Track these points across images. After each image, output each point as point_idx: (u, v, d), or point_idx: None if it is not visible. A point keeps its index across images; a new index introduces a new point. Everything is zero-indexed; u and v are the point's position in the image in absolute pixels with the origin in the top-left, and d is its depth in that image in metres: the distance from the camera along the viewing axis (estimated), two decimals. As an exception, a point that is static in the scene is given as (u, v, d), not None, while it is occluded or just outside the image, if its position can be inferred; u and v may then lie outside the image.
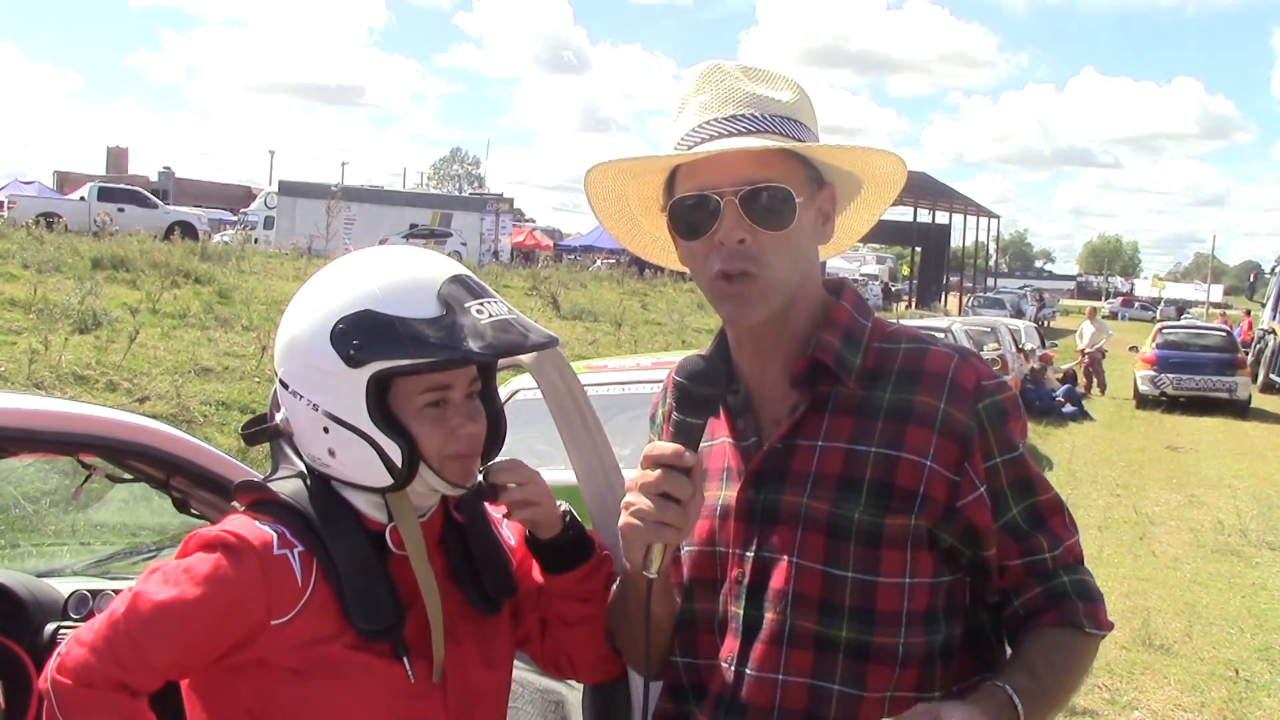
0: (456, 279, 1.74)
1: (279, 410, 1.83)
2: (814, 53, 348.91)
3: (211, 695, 1.76)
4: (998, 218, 75.50)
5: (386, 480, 1.72)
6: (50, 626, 2.79)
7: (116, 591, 2.85)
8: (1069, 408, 20.60)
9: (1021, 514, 1.64)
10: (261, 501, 1.77)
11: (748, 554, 1.67)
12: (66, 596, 2.89)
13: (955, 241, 65.26)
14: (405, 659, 1.72)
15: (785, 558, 1.63)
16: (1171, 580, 9.18)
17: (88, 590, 2.89)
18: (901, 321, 1.62)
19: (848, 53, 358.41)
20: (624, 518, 1.60)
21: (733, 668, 1.67)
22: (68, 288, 14.41)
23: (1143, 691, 6.53)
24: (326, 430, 1.72)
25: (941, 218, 61.48)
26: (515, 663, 1.99)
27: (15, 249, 17.78)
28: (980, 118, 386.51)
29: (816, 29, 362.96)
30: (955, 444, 1.61)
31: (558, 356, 2.21)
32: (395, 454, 1.69)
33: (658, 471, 1.58)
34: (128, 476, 2.65)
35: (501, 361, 2.25)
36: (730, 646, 1.68)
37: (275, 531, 1.71)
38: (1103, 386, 25.09)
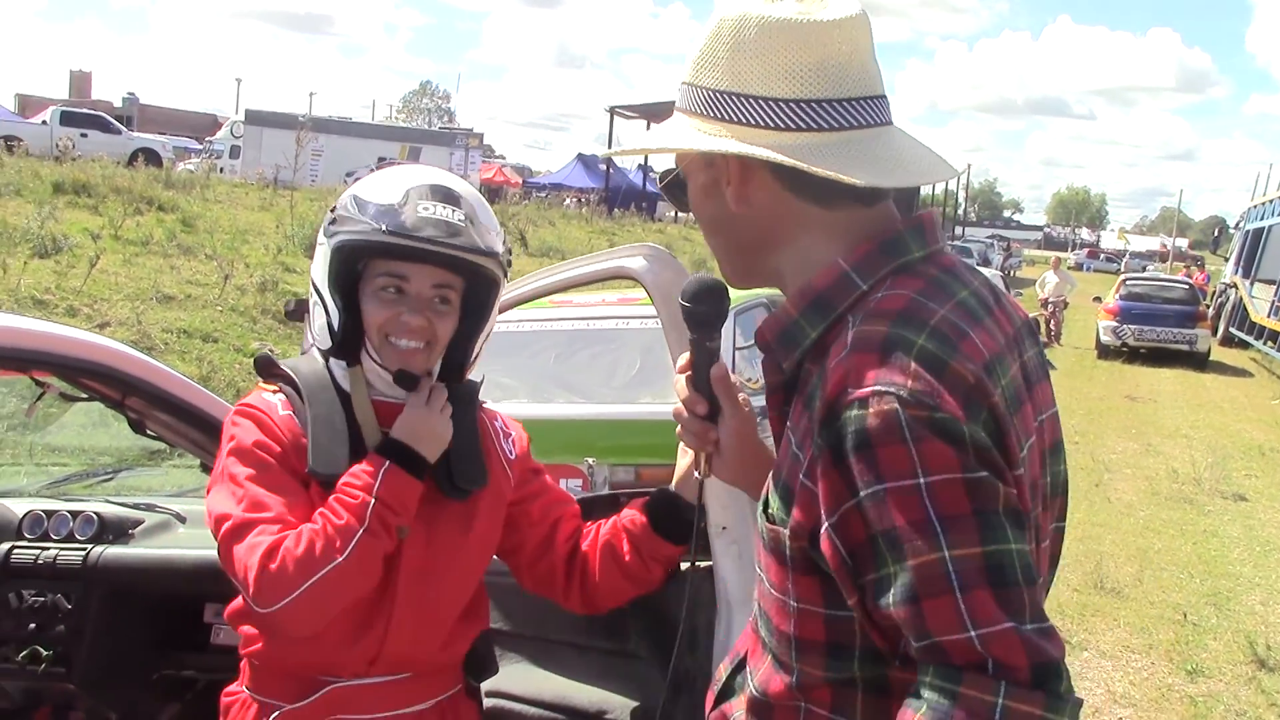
0: (432, 186, 1.97)
1: None
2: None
3: None
4: (968, 166, 75.59)
5: (328, 341, 1.97)
6: (4, 546, 2.79)
7: (73, 513, 2.84)
8: (1031, 356, 20.75)
9: (883, 582, 1.23)
10: (272, 373, 2.05)
11: None
12: (21, 516, 2.88)
13: (925, 189, 65.26)
14: None
15: None
16: (1125, 526, 9.31)
17: (42, 510, 2.88)
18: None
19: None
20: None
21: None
22: (28, 212, 14.20)
23: (1092, 633, 6.66)
24: (309, 298, 2.02)
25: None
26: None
27: (-26, 172, 17.50)
28: (955, 64, 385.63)
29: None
30: (815, 461, 1.29)
31: (674, 264, 2.31)
32: (335, 318, 1.95)
33: (685, 388, 1.69)
34: (82, 395, 2.63)
35: (609, 271, 2.43)
36: None
37: (278, 399, 2.00)
38: (1057, 337, 25.23)
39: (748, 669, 1.51)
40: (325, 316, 1.96)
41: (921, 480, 1.20)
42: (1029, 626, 1.19)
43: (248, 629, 2.00)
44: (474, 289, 2.00)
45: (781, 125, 1.37)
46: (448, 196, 1.96)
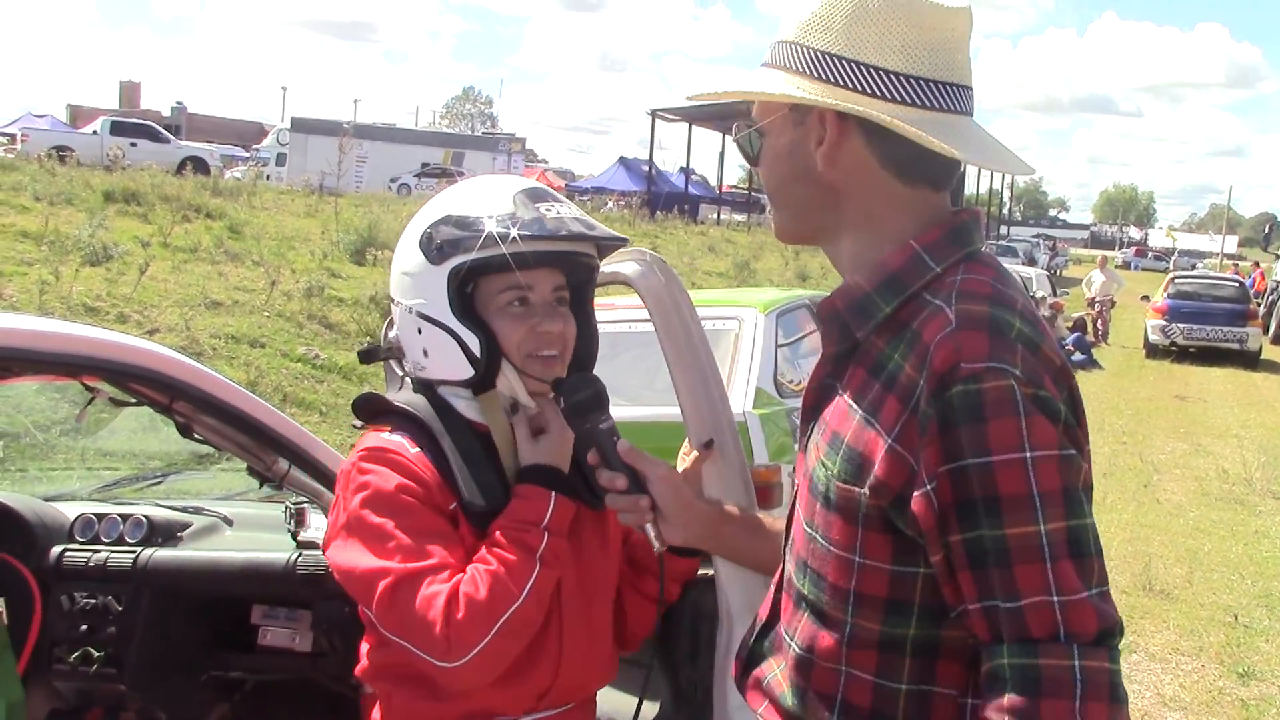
0: (532, 188, 1.90)
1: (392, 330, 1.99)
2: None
3: None
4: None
5: (468, 371, 1.85)
6: (56, 549, 2.83)
7: (123, 516, 2.89)
8: (1078, 356, 20.58)
9: (973, 543, 1.30)
10: (381, 412, 1.94)
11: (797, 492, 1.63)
12: (73, 520, 2.92)
13: (969, 188, 64.78)
14: None
15: (797, 504, 1.58)
16: (1174, 527, 9.22)
17: (93, 514, 2.93)
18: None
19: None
20: None
21: (769, 606, 1.67)
22: (79, 220, 14.37)
23: (1141, 635, 6.59)
24: (420, 331, 1.88)
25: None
26: None
27: (27, 181, 17.74)
28: (999, 62, 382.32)
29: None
30: (915, 430, 1.34)
31: (666, 271, 2.27)
32: (474, 344, 1.83)
33: (602, 473, 1.83)
34: (132, 400, 2.66)
35: (604, 277, 2.30)
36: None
37: (402, 438, 1.86)
38: (1104, 337, 24.99)
39: (781, 630, 1.57)
40: (456, 347, 1.84)
41: (1028, 455, 1.29)
42: (1094, 591, 1.29)
43: (387, 685, 1.89)
44: (574, 285, 1.94)
45: (888, 96, 1.42)
46: (553, 195, 1.90)
